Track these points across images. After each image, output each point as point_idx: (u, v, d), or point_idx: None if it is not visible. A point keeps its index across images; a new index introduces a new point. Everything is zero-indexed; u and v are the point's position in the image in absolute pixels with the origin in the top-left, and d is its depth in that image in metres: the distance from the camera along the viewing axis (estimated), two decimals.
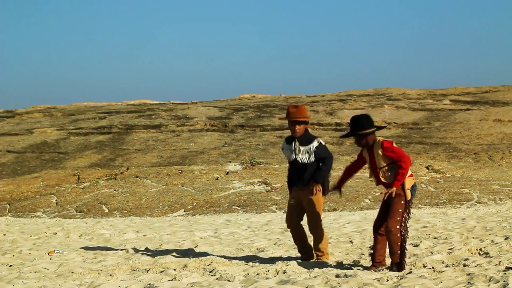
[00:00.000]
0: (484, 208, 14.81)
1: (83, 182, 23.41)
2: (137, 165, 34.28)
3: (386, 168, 6.68)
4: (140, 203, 18.74)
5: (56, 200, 20.49)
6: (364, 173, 23.35)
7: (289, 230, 7.65)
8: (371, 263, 6.87)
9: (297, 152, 7.30)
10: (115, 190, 21.23)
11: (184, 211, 17.35)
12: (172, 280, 6.47)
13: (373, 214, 14.02)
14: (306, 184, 7.30)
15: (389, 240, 6.63)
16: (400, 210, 6.64)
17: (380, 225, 6.85)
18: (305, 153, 7.28)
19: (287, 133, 51.20)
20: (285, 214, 7.66)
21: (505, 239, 8.33)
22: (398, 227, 6.62)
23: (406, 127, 49.08)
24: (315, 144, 7.30)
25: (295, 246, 8.89)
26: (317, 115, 53.34)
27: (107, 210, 18.29)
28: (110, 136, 51.72)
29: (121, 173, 24.83)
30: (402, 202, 6.65)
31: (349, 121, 6.90)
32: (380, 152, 6.66)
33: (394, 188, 6.62)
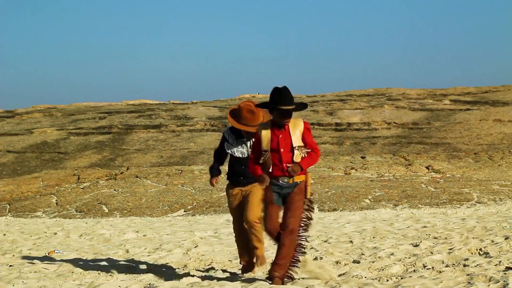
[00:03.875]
0: (484, 208, 14.81)
1: (83, 182, 23.41)
2: (137, 165, 34.30)
3: (302, 148, 5.96)
4: (140, 203, 18.74)
5: (56, 200, 20.49)
6: (364, 173, 23.36)
7: (236, 235, 6.81)
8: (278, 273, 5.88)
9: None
10: (115, 190, 21.23)
11: (184, 211, 17.35)
12: (172, 280, 6.46)
13: (373, 214, 14.02)
14: (251, 183, 6.65)
15: (288, 242, 5.85)
16: (302, 209, 5.99)
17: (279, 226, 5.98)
18: None
19: None
20: (233, 221, 6.83)
21: (505, 239, 8.33)
22: (299, 228, 5.95)
23: (406, 127, 49.09)
24: None
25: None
26: (317, 115, 53.34)
27: (107, 210, 18.29)
28: (110, 136, 51.73)
29: (121, 173, 24.84)
30: (303, 199, 5.98)
31: (279, 94, 5.89)
32: (300, 130, 5.94)
33: (298, 167, 5.86)
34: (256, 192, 6.70)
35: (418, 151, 38.29)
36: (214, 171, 6.80)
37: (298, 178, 5.92)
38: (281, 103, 5.83)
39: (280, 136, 5.89)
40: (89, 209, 18.58)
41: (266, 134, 5.90)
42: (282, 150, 5.87)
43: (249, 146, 6.68)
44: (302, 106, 6.01)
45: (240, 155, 6.70)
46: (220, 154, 6.86)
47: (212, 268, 7.28)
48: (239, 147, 6.71)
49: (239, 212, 6.77)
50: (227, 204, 7.01)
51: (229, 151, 6.73)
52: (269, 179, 5.88)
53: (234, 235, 6.91)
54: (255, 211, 6.69)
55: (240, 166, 6.71)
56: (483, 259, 6.95)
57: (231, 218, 12.75)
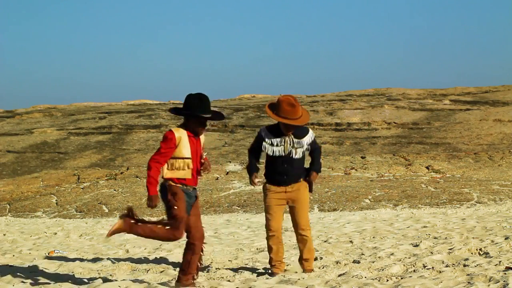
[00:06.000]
0: (484, 208, 14.81)
1: (83, 182, 23.41)
2: (137, 165, 34.25)
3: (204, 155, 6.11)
4: (140, 203, 18.72)
5: (56, 200, 20.49)
6: (364, 173, 23.37)
7: (273, 236, 6.65)
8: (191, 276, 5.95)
9: (293, 145, 6.57)
10: (115, 190, 21.24)
11: None
12: (172, 280, 6.46)
13: (373, 214, 14.02)
14: (296, 181, 6.63)
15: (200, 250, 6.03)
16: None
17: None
18: (301, 146, 6.60)
19: None
20: (269, 218, 6.63)
21: (505, 239, 8.33)
22: None
23: (406, 127, 49.07)
24: (311, 135, 6.70)
25: (296, 246, 8.87)
26: (317, 115, 53.34)
27: (107, 210, 18.29)
28: (110, 136, 51.71)
29: (121, 173, 24.84)
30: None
31: (201, 101, 5.82)
32: (202, 139, 6.02)
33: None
34: (305, 197, 6.66)
35: (418, 151, 38.29)
36: (253, 168, 6.70)
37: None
38: (204, 111, 5.79)
39: (195, 143, 5.87)
40: (89, 209, 18.58)
41: (185, 140, 5.81)
42: (195, 157, 5.87)
43: (289, 144, 6.56)
44: (219, 116, 5.98)
45: (283, 154, 6.57)
46: (256, 153, 6.77)
47: (212, 268, 7.27)
48: (279, 145, 6.58)
49: (279, 213, 6.63)
50: (263, 203, 6.75)
51: (269, 151, 6.59)
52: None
53: (267, 236, 6.69)
54: (307, 217, 6.69)
55: (283, 164, 6.57)
56: (483, 259, 6.94)
57: (231, 218, 12.65)
